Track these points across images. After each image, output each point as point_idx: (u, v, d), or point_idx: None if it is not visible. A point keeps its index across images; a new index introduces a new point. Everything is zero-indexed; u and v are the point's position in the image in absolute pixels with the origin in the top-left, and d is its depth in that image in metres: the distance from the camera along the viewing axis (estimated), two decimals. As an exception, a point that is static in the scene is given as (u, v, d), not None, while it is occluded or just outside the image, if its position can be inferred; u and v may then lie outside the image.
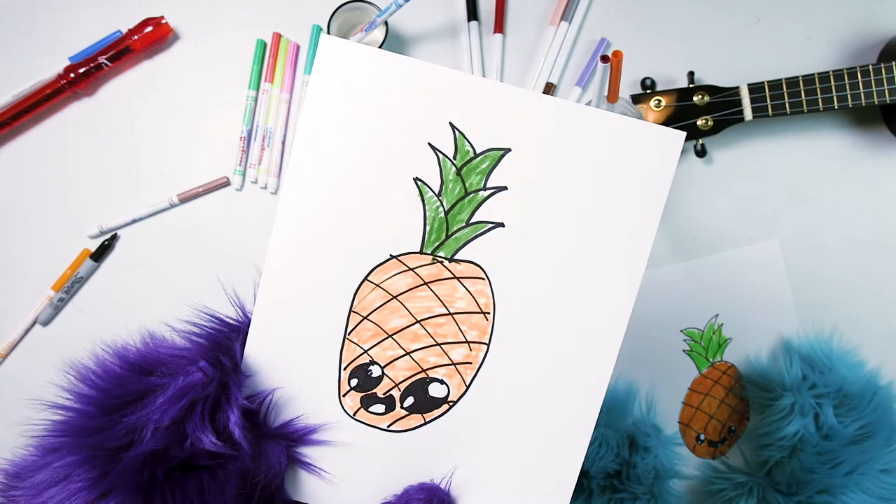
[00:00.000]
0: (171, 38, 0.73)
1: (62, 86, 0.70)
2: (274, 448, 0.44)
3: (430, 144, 0.43)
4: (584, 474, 0.59)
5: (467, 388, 0.45)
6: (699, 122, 0.69)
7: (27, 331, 0.71)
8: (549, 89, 0.73)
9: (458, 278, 0.44)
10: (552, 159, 0.43)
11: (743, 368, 0.70)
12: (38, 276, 0.71)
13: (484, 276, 0.44)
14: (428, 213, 0.44)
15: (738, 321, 0.72)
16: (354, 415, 0.45)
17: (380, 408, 0.45)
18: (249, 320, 0.45)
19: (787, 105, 0.68)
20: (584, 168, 0.43)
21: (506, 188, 0.43)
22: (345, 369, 0.45)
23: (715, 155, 0.73)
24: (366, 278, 0.44)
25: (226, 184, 0.72)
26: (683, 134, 0.42)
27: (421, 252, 0.44)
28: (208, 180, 0.72)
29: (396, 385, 0.45)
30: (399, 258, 0.44)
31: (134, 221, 0.72)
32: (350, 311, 0.45)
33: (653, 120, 0.69)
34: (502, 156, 0.43)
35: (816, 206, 0.73)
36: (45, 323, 0.71)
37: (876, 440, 0.60)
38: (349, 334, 0.45)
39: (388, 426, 0.46)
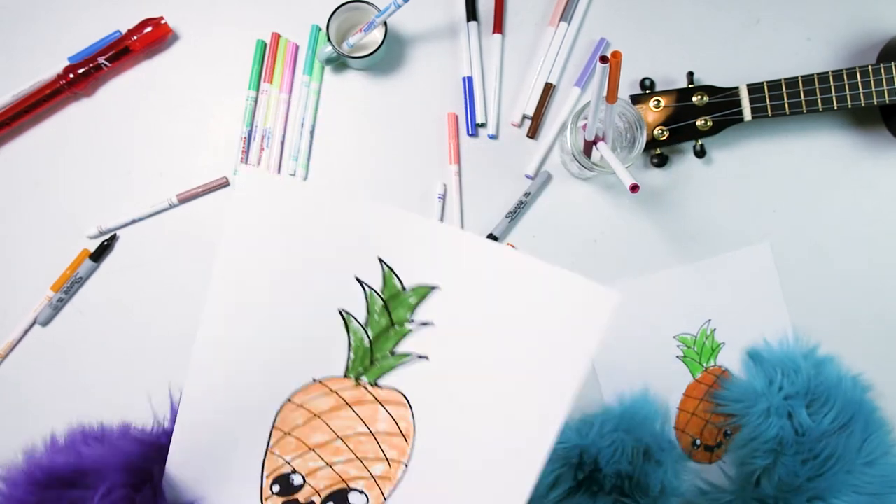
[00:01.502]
0: (171, 39, 0.73)
1: (61, 86, 0.70)
2: None
3: (357, 279, 0.43)
4: (597, 470, 0.60)
5: (385, 500, 0.45)
6: (698, 123, 0.69)
7: (26, 331, 0.71)
8: (549, 90, 0.73)
9: (380, 403, 0.45)
10: (479, 301, 0.42)
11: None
12: (37, 276, 0.71)
13: (406, 402, 0.44)
14: (353, 342, 0.44)
15: (731, 325, 0.72)
16: None
17: None
18: (170, 433, 0.46)
19: (787, 105, 0.68)
20: (510, 314, 0.42)
21: (432, 324, 0.43)
22: (267, 477, 0.46)
23: (714, 155, 0.73)
24: (288, 399, 0.45)
25: (225, 184, 0.73)
26: (618, 295, 0.40)
27: (345, 376, 0.45)
28: (208, 180, 0.72)
29: (318, 492, 0.46)
30: (322, 381, 0.45)
31: (133, 222, 0.72)
32: (273, 427, 0.45)
33: (652, 120, 0.69)
34: (430, 292, 0.43)
35: (816, 207, 0.73)
36: (45, 323, 0.71)
37: (853, 434, 0.60)
38: (271, 447, 0.46)
39: None
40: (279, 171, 0.72)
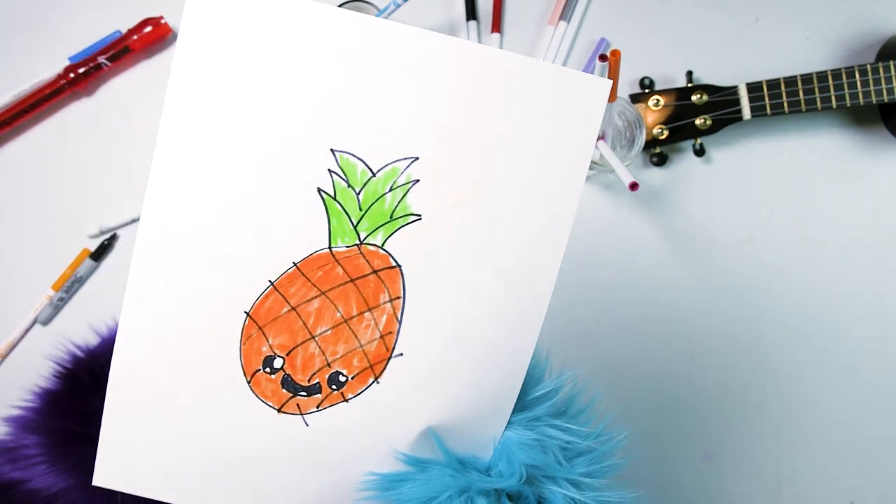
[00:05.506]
0: (171, 38, 0.73)
1: (62, 86, 0.70)
2: None
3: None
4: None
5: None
6: (698, 122, 0.69)
7: (27, 330, 0.71)
8: (548, 89, 0.73)
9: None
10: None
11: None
12: (37, 275, 0.71)
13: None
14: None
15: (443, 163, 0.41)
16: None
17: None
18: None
19: (786, 104, 0.68)
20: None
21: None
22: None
23: (713, 154, 0.73)
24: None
25: (225, 183, 0.72)
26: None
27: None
28: (208, 180, 0.72)
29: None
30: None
31: (134, 221, 0.72)
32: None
33: (652, 119, 0.69)
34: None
35: (815, 206, 0.74)
36: (45, 322, 0.71)
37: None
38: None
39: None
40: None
